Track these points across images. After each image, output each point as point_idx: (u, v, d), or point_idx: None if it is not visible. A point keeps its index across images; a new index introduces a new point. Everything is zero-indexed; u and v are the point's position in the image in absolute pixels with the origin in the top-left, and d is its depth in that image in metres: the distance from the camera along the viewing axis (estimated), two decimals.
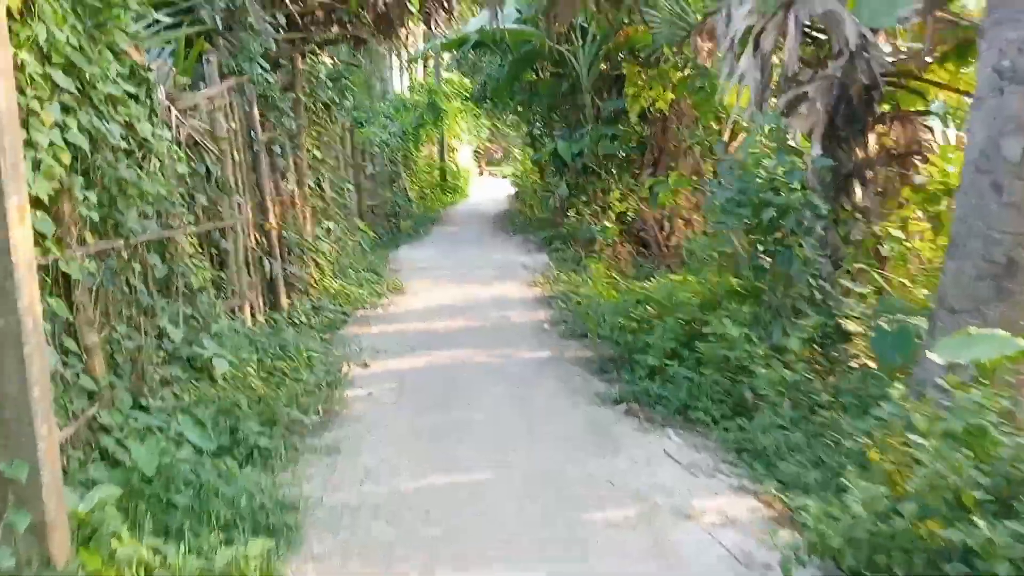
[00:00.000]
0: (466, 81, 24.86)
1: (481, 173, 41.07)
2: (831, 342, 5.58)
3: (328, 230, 10.06)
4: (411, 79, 28.32)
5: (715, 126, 9.69)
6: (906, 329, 5.21)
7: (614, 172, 12.28)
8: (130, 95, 4.97)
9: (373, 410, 5.22)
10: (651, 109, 10.55)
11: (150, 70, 5.11)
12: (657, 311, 5.77)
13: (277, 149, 8.58)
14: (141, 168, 4.93)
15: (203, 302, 5.69)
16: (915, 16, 5.41)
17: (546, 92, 15.33)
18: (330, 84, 10.82)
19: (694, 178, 9.72)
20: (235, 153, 7.45)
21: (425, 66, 29.05)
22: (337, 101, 10.77)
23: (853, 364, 5.62)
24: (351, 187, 11.96)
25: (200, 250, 6.15)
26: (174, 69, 5.80)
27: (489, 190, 29.33)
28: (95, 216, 4.35)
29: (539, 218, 16.19)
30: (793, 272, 5.33)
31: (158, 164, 4.99)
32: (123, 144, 4.74)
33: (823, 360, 5.69)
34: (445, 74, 27.04)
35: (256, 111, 7.97)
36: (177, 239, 5.48)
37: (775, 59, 6.64)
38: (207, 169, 6.10)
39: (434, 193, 24.26)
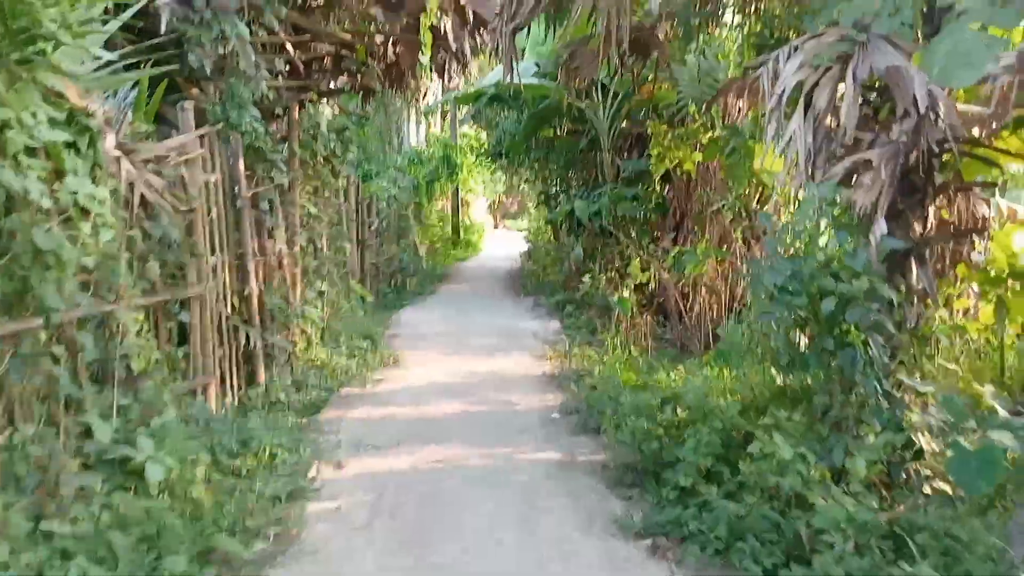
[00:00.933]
0: (482, 135, 24.34)
1: (496, 226, 40.57)
2: (900, 461, 4.60)
3: (321, 293, 9.21)
4: (428, 132, 27.90)
5: (748, 192, 8.85)
6: (992, 450, 4.22)
7: (633, 235, 11.42)
8: (67, 145, 4.19)
9: (337, 537, 4.22)
10: (677, 170, 9.73)
11: (92, 115, 4.31)
12: (687, 416, 4.80)
13: (265, 205, 7.79)
14: (74, 231, 4.10)
15: (147, 389, 4.79)
16: (1003, 74, 4.53)
17: (564, 149, 14.64)
18: (332, 135, 10.09)
19: (723, 248, 8.84)
20: (213, 209, 6.67)
21: (443, 119, 28.65)
22: (338, 153, 10.01)
23: (925, 488, 4.64)
24: (347, 245, 11.14)
25: (152, 325, 5.29)
26: (129, 115, 5.00)
27: (503, 244, 28.57)
28: None
29: (552, 280, 15.32)
30: (857, 375, 4.37)
31: (92, 227, 4.15)
32: (48, 204, 3.93)
33: (887, 481, 4.71)
34: (462, 128, 26.58)
35: (241, 163, 7.21)
36: (117, 315, 4.62)
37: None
38: (166, 231, 5.25)
39: (445, 248, 23.54)
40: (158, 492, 4.25)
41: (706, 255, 7.67)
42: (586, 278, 11.64)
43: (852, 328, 4.38)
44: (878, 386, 4.47)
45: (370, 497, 4.74)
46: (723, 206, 9.29)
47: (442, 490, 4.86)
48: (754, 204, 9.91)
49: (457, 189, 25.18)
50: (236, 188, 7.18)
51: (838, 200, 5.00)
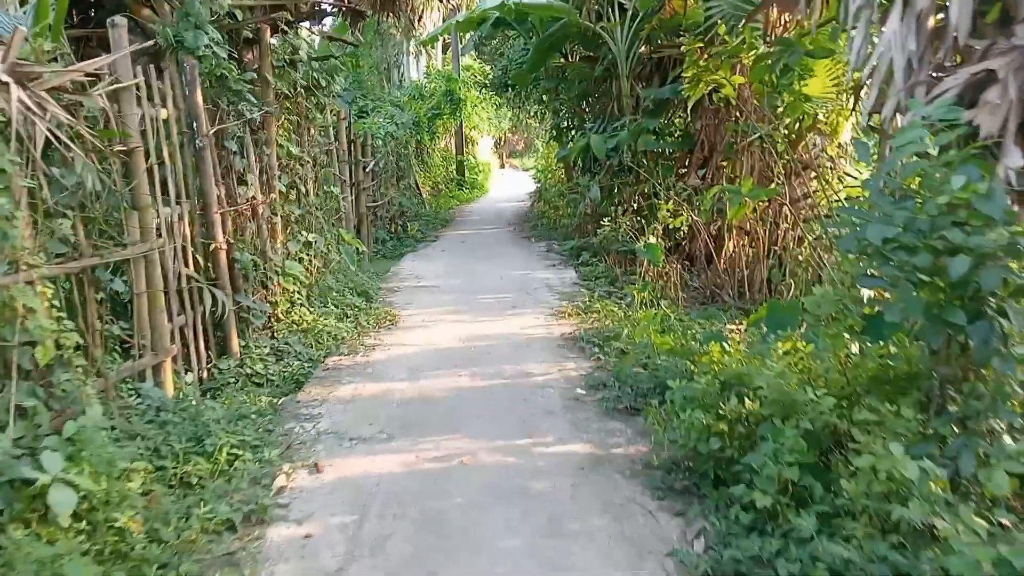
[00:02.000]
0: (486, 67, 22.76)
1: (503, 166, 39.22)
2: None
3: (307, 244, 8.10)
4: (428, 66, 26.28)
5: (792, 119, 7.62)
6: None
7: (658, 172, 10.20)
8: None
9: None
10: (712, 97, 8.47)
11: None
12: (760, 408, 3.72)
13: (232, 144, 6.62)
14: None
15: (61, 382, 3.74)
16: None
17: (576, 78, 13.26)
18: (315, 64, 8.82)
19: (767, 185, 7.65)
20: (165, 151, 5.53)
21: (444, 52, 26.99)
22: (322, 85, 8.76)
23: None
24: (336, 189, 9.95)
25: (78, 298, 4.22)
26: (23, 30, 3.81)
27: (510, 185, 27.29)
28: None
29: (565, 224, 14.14)
30: (995, 357, 3.27)
31: None
32: None
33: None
34: (465, 59, 24.97)
35: (199, 95, 6.02)
36: (13, 291, 3.53)
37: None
38: (82, 179, 4.12)
39: (450, 189, 22.27)
40: (69, 524, 3.24)
41: (751, 196, 6.49)
42: (605, 222, 10.49)
43: (990, 294, 3.26)
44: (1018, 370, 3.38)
45: (350, 519, 3.68)
46: (764, 135, 8.04)
47: (442, 509, 3.78)
48: (794, 137, 8.68)
49: (461, 126, 23.69)
50: (195, 125, 6.01)
51: (952, 124, 3.80)
